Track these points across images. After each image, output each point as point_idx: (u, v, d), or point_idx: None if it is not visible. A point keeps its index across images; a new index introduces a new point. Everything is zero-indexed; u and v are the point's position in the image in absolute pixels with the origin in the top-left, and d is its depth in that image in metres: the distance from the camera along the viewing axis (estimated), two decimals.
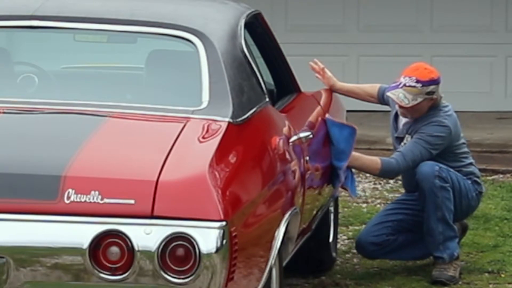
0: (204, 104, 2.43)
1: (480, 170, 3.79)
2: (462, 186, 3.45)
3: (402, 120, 3.57)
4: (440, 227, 3.39)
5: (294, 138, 2.77)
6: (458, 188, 3.43)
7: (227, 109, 2.41)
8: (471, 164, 3.59)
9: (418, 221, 3.49)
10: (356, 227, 4.15)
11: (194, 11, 2.82)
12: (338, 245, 3.88)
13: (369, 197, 4.80)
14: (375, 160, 3.52)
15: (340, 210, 4.02)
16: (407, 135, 3.49)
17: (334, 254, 3.69)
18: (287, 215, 2.47)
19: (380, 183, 4.91)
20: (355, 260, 3.79)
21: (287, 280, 2.94)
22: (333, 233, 3.71)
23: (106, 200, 1.99)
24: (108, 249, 1.97)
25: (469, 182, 3.50)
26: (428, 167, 3.36)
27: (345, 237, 4.08)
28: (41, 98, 2.52)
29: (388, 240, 3.47)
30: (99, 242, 1.96)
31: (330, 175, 3.30)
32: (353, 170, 3.54)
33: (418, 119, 3.46)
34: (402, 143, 3.52)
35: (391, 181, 4.71)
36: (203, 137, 2.32)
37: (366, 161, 3.53)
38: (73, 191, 1.99)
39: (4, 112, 2.38)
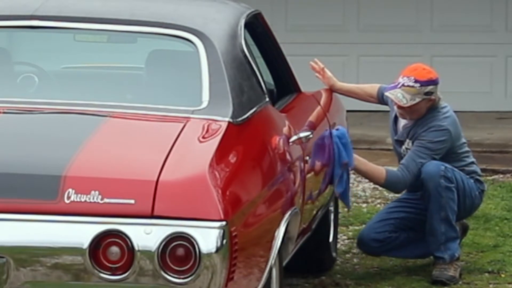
0: (204, 104, 2.43)
1: (480, 170, 3.79)
2: (466, 185, 3.46)
3: (402, 122, 3.57)
4: (442, 228, 3.39)
5: (294, 138, 2.77)
6: (462, 188, 3.44)
7: (227, 109, 2.41)
8: (472, 163, 3.61)
9: (420, 220, 3.50)
10: (356, 227, 4.15)
11: (194, 11, 2.82)
12: (338, 245, 3.88)
13: (369, 197, 4.80)
14: (381, 169, 3.54)
15: (340, 210, 4.01)
16: (407, 140, 3.49)
17: (334, 254, 3.69)
18: (287, 215, 2.47)
19: None
20: (355, 260, 3.79)
21: (287, 280, 2.94)
22: (333, 233, 3.71)
23: (106, 200, 1.99)
24: (108, 249, 1.97)
25: (472, 181, 3.52)
26: (434, 167, 3.37)
27: (345, 237, 4.08)
28: (41, 98, 2.52)
29: (390, 237, 3.48)
30: (99, 242, 1.96)
31: (331, 176, 3.30)
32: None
33: (417, 122, 3.46)
34: (403, 147, 3.52)
35: None
36: (203, 137, 2.32)
37: (372, 168, 3.54)
38: (73, 191, 1.99)
39: (4, 112, 2.38)
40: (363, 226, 3.94)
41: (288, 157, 2.68)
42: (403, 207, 3.61)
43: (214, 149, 2.21)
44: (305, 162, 2.88)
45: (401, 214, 3.56)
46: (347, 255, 3.86)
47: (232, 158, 2.30)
